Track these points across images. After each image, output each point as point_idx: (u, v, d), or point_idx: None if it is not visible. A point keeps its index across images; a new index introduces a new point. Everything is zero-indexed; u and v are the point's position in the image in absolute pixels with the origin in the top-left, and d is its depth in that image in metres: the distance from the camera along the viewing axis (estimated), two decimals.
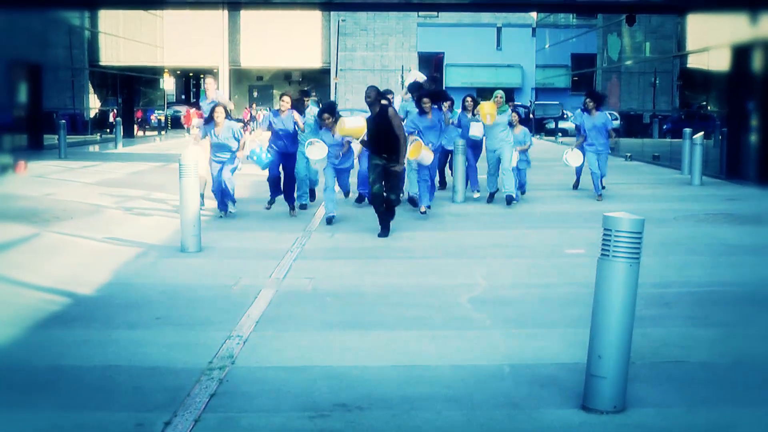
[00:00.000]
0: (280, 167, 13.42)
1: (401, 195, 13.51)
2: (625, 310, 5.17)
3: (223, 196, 13.09)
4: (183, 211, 10.39)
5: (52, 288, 8.50)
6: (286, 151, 13.32)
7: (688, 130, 20.93)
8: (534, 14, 54.53)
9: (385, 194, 11.51)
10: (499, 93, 15.15)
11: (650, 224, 12.07)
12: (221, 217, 13.19)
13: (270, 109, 13.89)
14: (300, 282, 8.86)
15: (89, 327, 7.16)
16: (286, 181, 13.49)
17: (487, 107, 14.42)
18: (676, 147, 22.55)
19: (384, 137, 11.29)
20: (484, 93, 58.08)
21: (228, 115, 13.20)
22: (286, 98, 13.40)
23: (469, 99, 15.91)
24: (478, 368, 6.20)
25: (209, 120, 12.93)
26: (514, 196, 14.72)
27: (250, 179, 17.41)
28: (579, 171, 17.24)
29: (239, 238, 11.29)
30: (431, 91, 14.87)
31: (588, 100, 15.69)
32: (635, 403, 5.36)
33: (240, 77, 58.75)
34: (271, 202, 13.68)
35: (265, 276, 9.10)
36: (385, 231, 11.60)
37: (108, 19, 39.28)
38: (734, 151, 20.77)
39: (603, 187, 16.13)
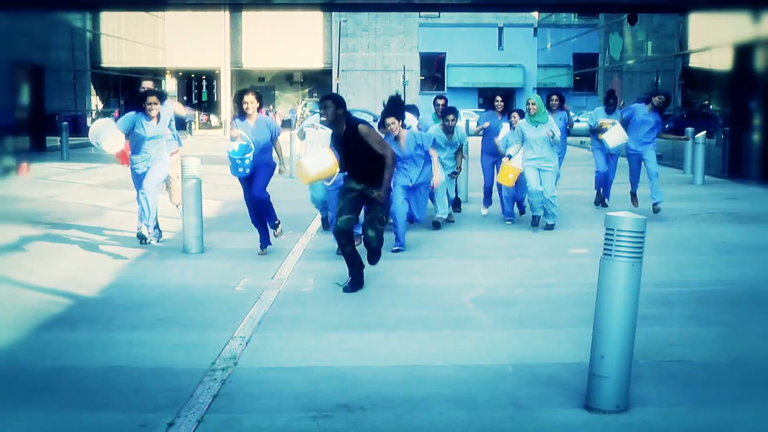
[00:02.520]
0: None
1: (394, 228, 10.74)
2: (627, 309, 5.16)
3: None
4: (185, 212, 10.41)
5: (55, 289, 8.50)
6: (253, 170, 10.05)
7: (690, 129, 20.91)
8: (535, 14, 54.53)
9: (362, 231, 8.97)
10: (531, 98, 12.06)
11: (652, 223, 12.09)
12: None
13: (236, 116, 10.38)
14: (302, 282, 8.87)
15: (92, 328, 7.16)
16: (256, 207, 10.29)
17: (509, 170, 12.24)
18: (678, 146, 22.54)
19: (360, 160, 8.30)
20: (485, 93, 58.21)
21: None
22: (251, 98, 10.00)
23: (498, 99, 13.95)
24: (480, 368, 6.20)
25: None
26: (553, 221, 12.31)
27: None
28: (607, 180, 14.76)
29: (241, 240, 11.29)
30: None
31: (658, 98, 13.62)
32: (638, 403, 5.36)
33: (242, 78, 58.74)
34: (264, 242, 10.56)
35: (267, 277, 9.10)
36: (355, 284, 8.47)
37: (110, 20, 39.35)
38: (736, 150, 20.78)
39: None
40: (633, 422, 5.14)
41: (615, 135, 13.45)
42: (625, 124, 13.57)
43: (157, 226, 11.19)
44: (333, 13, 51.31)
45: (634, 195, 14.08)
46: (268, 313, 7.65)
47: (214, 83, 60.78)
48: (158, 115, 10.63)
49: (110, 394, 5.63)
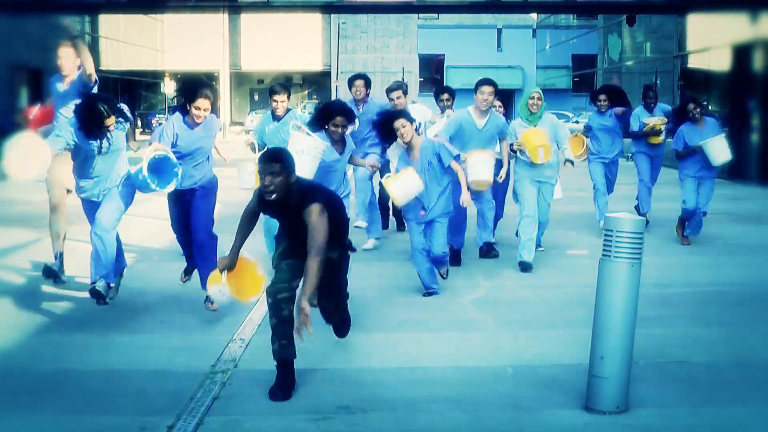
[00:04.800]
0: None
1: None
2: (627, 310, 5.17)
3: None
4: None
5: (55, 293, 8.50)
6: (194, 190, 7.71)
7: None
8: (534, 15, 54.57)
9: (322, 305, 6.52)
10: (536, 92, 9.70)
11: (652, 224, 12.12)
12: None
13: (176, 113, 7.81)
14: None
15: (92, 331, 7.15)
16: (199, 241, 7.77)
17: (534, 137, 9.44)
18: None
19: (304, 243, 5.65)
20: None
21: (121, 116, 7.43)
22: (205, 101, 7.46)
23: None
24: (481, 370, 6.20)
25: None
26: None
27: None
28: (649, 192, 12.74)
29: None
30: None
31: (692, 105, 11.25)
32: (638, 404, 5.36)
33: (241, 80, 58.77)
34: (188, 270, 8.34)
35: (267, 279, 9.07)
36: (281, 391, 5.62)
37: (108, 23, 39.36)
38: (736, 151, 20.77)
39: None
40: (633, 423, 5.14)
41: (719, 148, 10.84)
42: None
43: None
44: (332, 15, 51.32)
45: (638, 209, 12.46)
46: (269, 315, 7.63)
47: (213, 85, 60.79)
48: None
49: (111, 397, 5.63)
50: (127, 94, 41.59)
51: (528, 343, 6.85)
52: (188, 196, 7.68)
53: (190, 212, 7.74)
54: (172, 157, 7.27)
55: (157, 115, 47.70)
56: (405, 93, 10.75)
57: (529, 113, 9.64)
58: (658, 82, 28.50)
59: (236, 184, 9.30)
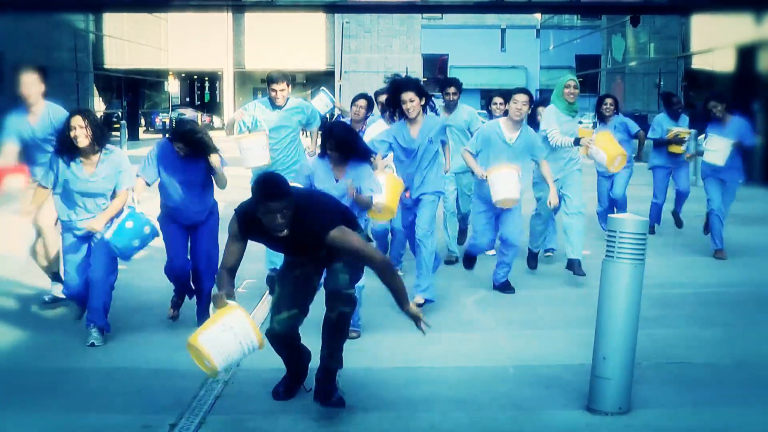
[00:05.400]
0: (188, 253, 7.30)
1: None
2: (629, 311, 5.17)
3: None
4: None
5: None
6: (191, 221, 7.17)
7: (693, 131, 20.88)
8: (538, 16, 54.51)
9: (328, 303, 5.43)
10: (573, 80, 9.10)
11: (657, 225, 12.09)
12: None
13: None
14: None
15: None
16: (200, 272, 7.23)
17: (612, 146, 9.49)
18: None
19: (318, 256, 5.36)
20: (488, 94, 58.13)
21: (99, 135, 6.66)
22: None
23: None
24: (482, 370, 6.21)
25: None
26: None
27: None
28: (660, 211, 12.09)
29: None
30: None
31: (713, 103, 10.45)
32: (640, 405, 5.36)
33: (244, 80, 58.76)
34: (178, 302, 7.43)
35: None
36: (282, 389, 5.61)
37: (112, 22, 39.35)
38: (740, 152, 20.74)
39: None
40: (635, 424, 5.14)
41: (720, 150, 10.21)
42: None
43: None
44: (335, 15, 51.32)
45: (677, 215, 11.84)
46: None
47: (217, 84, 60.83)
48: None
49: (113, 396, 5.64)
50: (130, 92, 41.56)
51: (529, 344, 6.85)
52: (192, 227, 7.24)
53: (194, 245, 7.27)
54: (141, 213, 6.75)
55: (160, 114, 47.74)
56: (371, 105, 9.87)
57: (567, 104, 9.04)
58: (661, 83, 28.48)
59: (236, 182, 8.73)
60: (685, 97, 26.45)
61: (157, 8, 37.63)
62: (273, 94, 8.45)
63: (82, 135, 6.52)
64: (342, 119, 10.27)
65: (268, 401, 5.51)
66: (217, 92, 61.08)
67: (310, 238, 5.06)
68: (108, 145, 6.82)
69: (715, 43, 22.87)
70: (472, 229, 9.07)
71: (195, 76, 62.52)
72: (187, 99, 62.36)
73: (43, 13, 29.71)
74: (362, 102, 9.69)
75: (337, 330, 5.37)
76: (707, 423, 5.25)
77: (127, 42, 41.40)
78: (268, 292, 8.09)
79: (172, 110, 51.28)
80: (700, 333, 7.15)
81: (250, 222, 5.06)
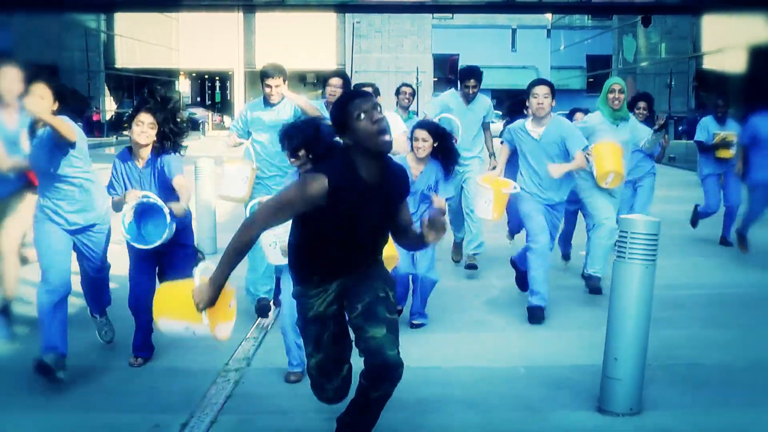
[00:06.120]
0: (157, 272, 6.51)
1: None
2: (641, 312, 5.16)
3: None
4: (198, 213, 10.44)
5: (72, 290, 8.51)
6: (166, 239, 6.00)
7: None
8: (549, 16, 54.46)
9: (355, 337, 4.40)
10: (618, 84, 8.26)
11: (665, 226, 12.01)
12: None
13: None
14: None
15: None
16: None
17: (611, 159, 7.98)
18: (691, 149, 22.47)
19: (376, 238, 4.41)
20: (498, 94, 58.01)
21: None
22: (147, 120, 6.10)
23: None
24: (492, 370, 6.20)
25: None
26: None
27: None
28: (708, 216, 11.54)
29: None
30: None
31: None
32: (651, 406, 5.35)
33: (255, 79, 58.64)
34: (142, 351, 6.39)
35: None
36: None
37: (123, 21, 39.48)
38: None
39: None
40: (646, 425, 5.13)
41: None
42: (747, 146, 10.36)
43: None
44: (346, 15, 51.36)
45: (743, 236, 10.49)
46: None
47: (228, 84, 60.90)
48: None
49: (124, 395, 5.66)
50: (141, 92, 41.69)
51: (540, 344, 6.85)
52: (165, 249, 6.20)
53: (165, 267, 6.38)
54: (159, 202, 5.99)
55: None
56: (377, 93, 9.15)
57: (612, 110, 8.19)
58: (672, 83, 28.41)
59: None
60: (696, 97, 26.40)
61: (168, 8, 37.77)
62: (267, 90, 7.64)
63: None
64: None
65: (279, 400, 5.52)
66: (228, 92, 61.14)
67: (397, 192, 4.28)
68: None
69: (726, 43, 22.80)
70: (526, 232, 7.93)
71: (206, 76, 62.58)
72: (198, 99, 62.42)
73: (55, 13, 29.82)
74: (335, 81, 8.21)
75: (373, 411, 4.46)
76: (718, 424, 5.23)
77: (138, 42, 41.52)
78: (258, 317, 7.53)
79: (183, 110, 51.37)
80: (711, 334, 7.13)
81: (342, 178, 4.03)
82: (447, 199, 7.35)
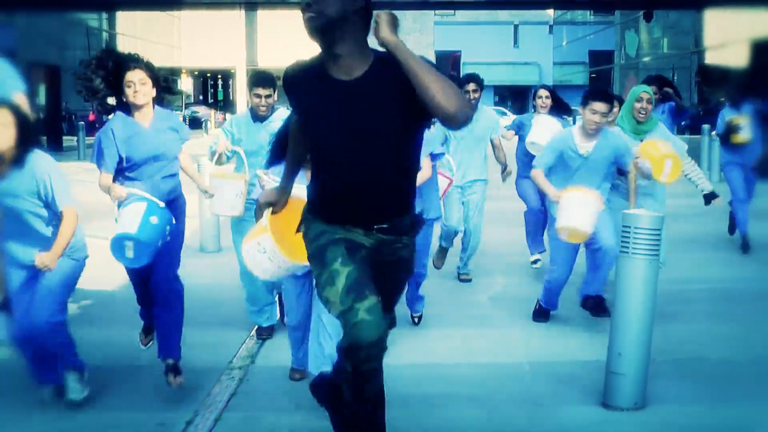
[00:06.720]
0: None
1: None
2: (645, 307, 5.16)
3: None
4: (202, 210, 10.44)
5: (78, 288, 8.52)
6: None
7: (706, 126, 20.81)
8: (551, 11, 54.41)
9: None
10: (647, 93, 7.02)
11: (669, 221, 12.01)
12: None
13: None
14: None
15: (110, 327, 7.20)
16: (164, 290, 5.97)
17: (657, 146, 6.72)
18: (694, 143, 22.46)
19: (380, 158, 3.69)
20: (501, 90, 57.97)
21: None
22: (140, 74, 5.71)
23: (545, 95, 8.81)
24: (497, 366, 6.20)
25: None
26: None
27: None
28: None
29: None
30: None
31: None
32: (656, 401, 5.34)
33: None
34: (148, 328, 6.36)
35: None
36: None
37: (125, 20, 39.48)
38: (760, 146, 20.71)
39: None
40: (650, 420, 5.13)
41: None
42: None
43: None
44: None
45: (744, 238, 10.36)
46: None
47: (230, 82, 60.92)
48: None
49: (129, 393, 5.66)
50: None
51: (545, 340, 6.84)
52: None
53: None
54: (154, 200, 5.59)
55: (174, 112, 47.83)
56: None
57: (636, 124, 7.04)
58: (675, 78, 28.39)
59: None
60: (699, 92, 26.36)
61: (171, 6, 37.74)
62: (256, 101, 6.65)
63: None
64: None
65: (283, 398, 5.51)
66: (231, 90, 61.17)
67: (390, 90, 3.81)
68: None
69: (728, 38, 22.76)
70: (549, 262, 7.47)
71: (208, 74, 62.63)
72: (201, 97, 62.49)
73: (57, 11, 29.83)
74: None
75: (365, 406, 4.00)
76: (723, 419, 5.22)
77: (140, 40, 41.51)
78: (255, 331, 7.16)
79: (186, 108, 51.37)
80: (715, 329, 7.12)
81: (298, 73, 4.05)
82: (435, 219, 6.81)
